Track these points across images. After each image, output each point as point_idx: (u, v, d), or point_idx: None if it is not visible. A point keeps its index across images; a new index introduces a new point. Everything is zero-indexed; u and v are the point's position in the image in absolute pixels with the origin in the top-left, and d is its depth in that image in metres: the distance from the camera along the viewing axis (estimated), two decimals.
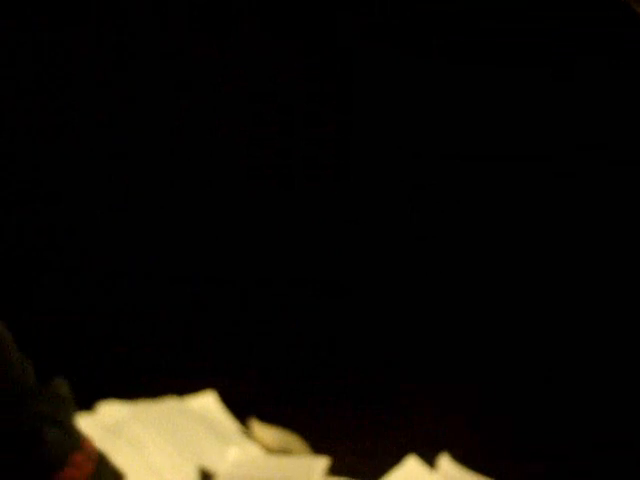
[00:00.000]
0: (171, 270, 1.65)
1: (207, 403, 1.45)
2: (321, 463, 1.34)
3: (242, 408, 1.46)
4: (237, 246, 1.66)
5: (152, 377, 1.46)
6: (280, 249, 1.65)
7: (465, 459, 1.42)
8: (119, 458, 1.26)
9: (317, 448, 1.42)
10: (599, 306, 1.58)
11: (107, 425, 1.34)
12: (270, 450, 1.42)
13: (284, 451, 1.42)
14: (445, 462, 1.39)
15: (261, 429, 1.44)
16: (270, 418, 1.45)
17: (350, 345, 1.57)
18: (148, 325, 1.55)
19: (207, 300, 1.61)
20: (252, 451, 1.40)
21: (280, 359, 1.54)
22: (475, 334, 1.58)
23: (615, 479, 1.39)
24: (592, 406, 1.49)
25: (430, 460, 1.38)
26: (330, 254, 1.64)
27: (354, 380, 1.53)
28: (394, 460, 1.35)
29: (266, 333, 1.57)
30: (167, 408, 1.41)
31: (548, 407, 1.51)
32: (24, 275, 1.60)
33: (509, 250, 1.61)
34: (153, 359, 1.51)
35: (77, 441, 1.26)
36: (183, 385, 1.46)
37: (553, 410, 1.51)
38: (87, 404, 1.35)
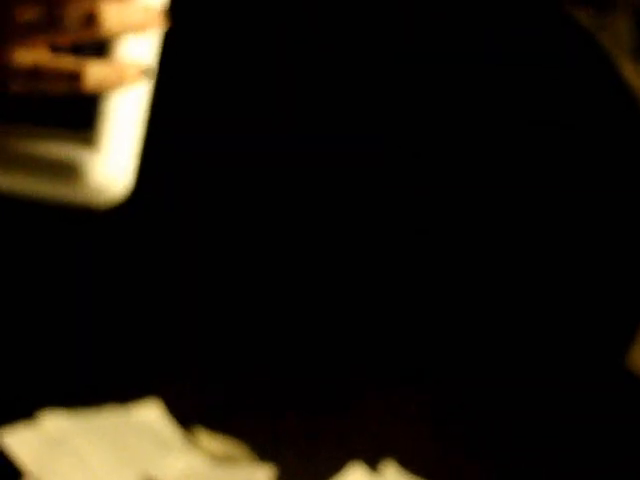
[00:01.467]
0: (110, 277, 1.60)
1: (151, 412, 1.42)
2: (267, 471, 1.33)
3: (187, 416, 1.43)
4: (168, 245, 1.61)
5: (93, 385, 1.43)
6: (218, 249, 1.61)
7: (412, 465, 1.38)
8: (62, 470, 1.26)
9: (263, 456, 1.39)
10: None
11: (50, 436, 1.32)
12: (216, 459, 1.39)
13: (230, 459, 1.39)
14: (390, 468, 1.37)
15: (206, 438, 1.42)
16: (215, 426, 1.43)
17: (296, 350, 1.54)
18: (87, 330, 1.51)
19: (149, 304, 1.57)
20: (198, 460, 1.38)
21: (225, 366, 1.51)
22: (423, 339, 1.54)
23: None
24: (544, 414, 1.46)
25: (376, 466, 1.37)
26: (271, 256, 1.59)
27: (300, 386, 1.49)
28: (340, 466, 1.34)
29: (210, 339, 1.54)
30: (110, 418, 1.38)
31: (497, 412, 1.48)
32: None
33: (465, 249, 1.58)
34: (94, 365, 1.46)
35: None
36: (125, 393, 1.43)
37: (502, 414, 1.47)
38: (27, 417, 1.32)
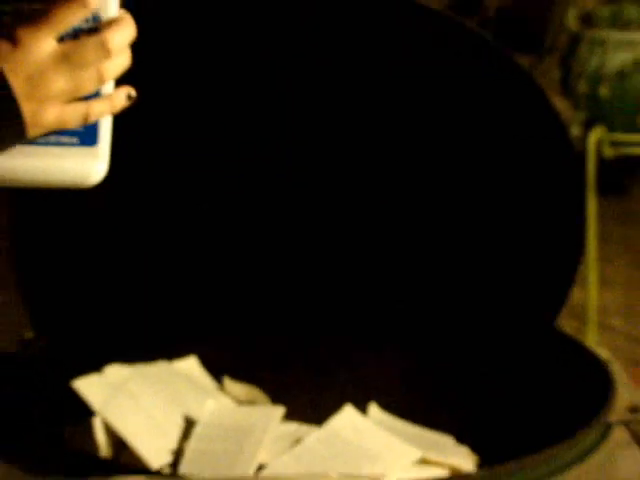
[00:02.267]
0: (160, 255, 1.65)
1: (190, 365, 1.56)
2: (279, 411, 1.46)
3: (217, 369, 1.58)
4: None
5: (147, 345, 1.55)
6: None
7: (390, 408, 1.54)
8: (119, 409, 1.39)
9: (276, 399, 1.54)
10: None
11: (112, 383, 1.43)
12: (239, 401, 1.54)
13: (250, 402, 1.54)
14: (374, 410, 1.52)
15: (232, 385, 1.57)
16: (239, 376, 1.58)
17: (304, 318, 1.64)
18: (144, 303, 1.60)
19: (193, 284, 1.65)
20: (225, 402, 1.52)
21: (246, 331, 1.63)
22: (402, 311, 1.64)
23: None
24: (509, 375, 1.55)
25: (363, 408, 1.50)
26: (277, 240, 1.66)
27: (306, 346, 1.63)
28: (336, 407, 1.46)
29: (235, 311, 1.64)
30: (159, 369, 1.52)
31: (456, 369, 1.58)
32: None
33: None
34: (148, 329, 1.59)
35: None
36: (171, 352, 1.57)
37: (460, 369, 1.58)
38: (96, 369, 1.44)
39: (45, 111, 0.96)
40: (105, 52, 0.97)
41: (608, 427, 1.33)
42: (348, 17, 1.53)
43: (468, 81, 1.54)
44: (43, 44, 0.96)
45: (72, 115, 0.98)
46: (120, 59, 1.00)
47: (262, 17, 1.54)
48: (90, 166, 1.03)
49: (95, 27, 0.99)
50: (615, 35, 3.73)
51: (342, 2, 1.54)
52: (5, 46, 0.95)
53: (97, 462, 1.32)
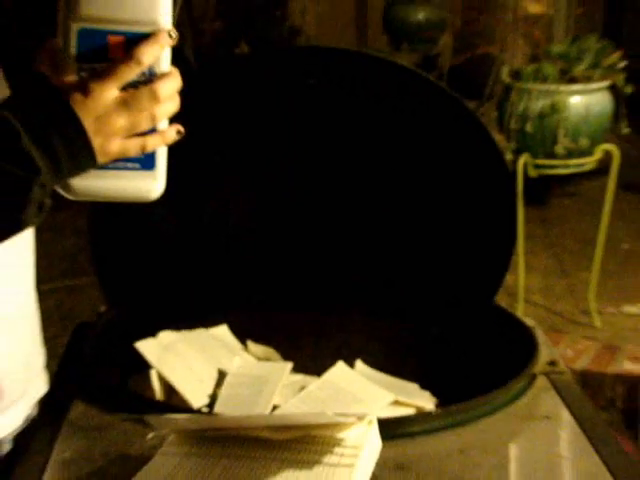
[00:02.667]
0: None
1: (222, 331, 1.55)
2: (288, 366, 1.46)
3: (242, 335, 1.56)
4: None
5: (190, 317, 1.53)
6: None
7: (371, 363, 1.52)
8: (168, 363, 1.39)
9: (286, 357, 1.53)
10: None
11: (163, 344, 1.43)
12: (259, 359, 1.53)
13: (267, 359, 1.53)
14: (359, 365, 1.51)
15: (254, 346, 1.56)
16: (259, 340, 1.57)
17: (309, 294, 1.62)
18: (189, 285, 1.59)
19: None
20: (248, 359, 1.52)
21: (263, 305, 1.62)
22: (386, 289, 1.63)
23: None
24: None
25: (351, 364, 1.49)
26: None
27: (310, 317, 1.62)
28: (330, 364, 1.45)
29: (255, 294, 1.62)
30: (199, 334, 1.51)
31: (420, 337, 1.58)
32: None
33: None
34: (191, 306, 1.57)
35: None
36: (208, 322, 1.55)
37: (423, 338, 1.58)
38: (152, 334, 1.43)
39: (110, 143, 0.97)
40: (156, 99, 0.97)
41: (533, 377, 1.34)
42: (339, 75, 1.51)
43: (431, 119, 1.53)
44: (108, 93, 0.96)
45: (132, 147, 0.98)
46: (169, 104, 1.00)
47: (280, 85, 1.53)
48: (149, 185, 1.03)
49: (150, 79, 0.99)
50: (536, 86, 3.75)
51: (334, 64, 1.52)
52: (79, 96, 0.95)
53: (153, 403, 1.31)
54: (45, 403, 1.31)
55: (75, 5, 0.95)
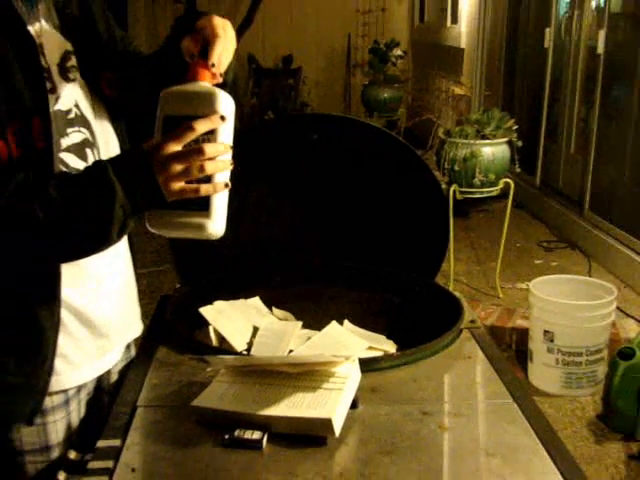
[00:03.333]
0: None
1: (256, 301, 1.50)
2: (299, 324, 1.44)
3: (269, 303, 1.51)
4: None
5: (235, 292, 1.48)
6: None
7: (355, 322, 1.46)
8: (221, 321, 1.36)
9: (298, 318, 1.49)
10: None
11: (217, 309, 1.39)
12: (280, 319, 1.49)
13: (285, 319, 1.49)
14: (346, 323, 1.46)
15: (277, 311, 1.51)
16: (280, 307, 1.52)
17: (312, 276, 1.57)
18: (235, 271, 1.54)
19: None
20: (273, 319, 1.47)
21: (283, 284, 1.56)
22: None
23: None
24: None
25: (341, 322, 1.44)
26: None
27: (312, 291, 1.55)
28: (327, 323, 1.42)
29: (276, 277, 1.56)
30: (240, 303, 1.47)
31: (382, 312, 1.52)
32: None
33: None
34: (235, 285, 1.51)
35: None
36: (246, 295, 1.49)
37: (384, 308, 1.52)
38: (209, 302, 1.39)
39: (171, 183, 0.92)
40: (203, 154, 0.92)
41: (460, 331, 1.32)
42: (333, 132, 1.49)
43: (393, 161, 1.50)
44: (170, 147, 0.92)
45: (188, 189, 0.93)
46: (217, 163, 0.93)
47: (294, 139, 1.51)
48: (205, 223, 0.95)
49: (208, 138, 0.94)
50: (461, 141, 3.78)
51: (329, 125, 1.51)
52: (151, 148, 0.93)
53: (211, 348, 1.28)
54: (140, 347, 1.29)
55: (162, 101, 0.95)
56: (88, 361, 1.14)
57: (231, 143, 0.96)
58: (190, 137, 0.93)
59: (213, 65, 0.96)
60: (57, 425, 1.10)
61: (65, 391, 1.11)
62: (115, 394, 1.12)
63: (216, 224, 0.96)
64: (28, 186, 0.92)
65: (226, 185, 0.95)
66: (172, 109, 0.95)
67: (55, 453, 1.10)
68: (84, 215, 0.90)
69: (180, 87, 0.96)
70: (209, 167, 0.93)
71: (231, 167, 0.95)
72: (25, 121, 0.92)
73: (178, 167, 0.92)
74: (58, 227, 0.90)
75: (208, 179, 0.93)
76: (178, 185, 0.92)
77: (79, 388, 1.14)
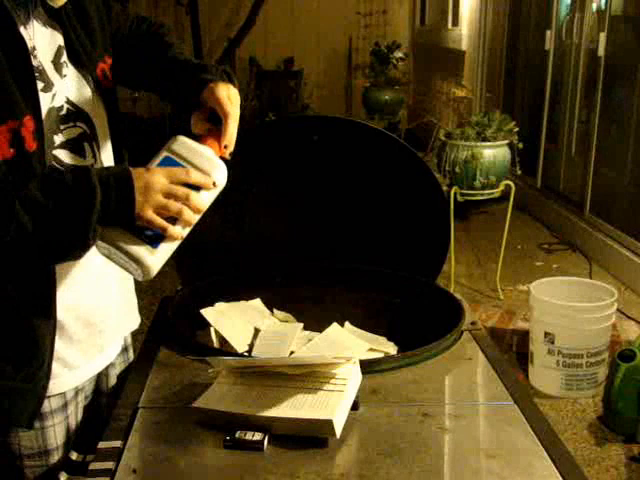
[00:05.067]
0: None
1: (257, 303, 1.50)
2: (300, 325, 1.44)
3: (270, 305, 1.50)
4: None
5: (235, 294, 1.47)
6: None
7: (355, 324, 1.47)
8: (222, 323, 1.35)
9: (299, 320, 1.48)
10: None
11: (218, 310, 1.39)
12: (281, 321, 1.48)
13: (286, 321, 1.48)
14: (347, 325, 1.46)
15: (278, 313, 1.51)
16: (281, 309, 1.51)
17: (311, 277, 1.56)
18: (236, 274, 1.53)
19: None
20: (274, 321, 1.47)
21: (284, 286, 1.55)
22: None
23: None
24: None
25: (342, 324, 1.45)
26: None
27: (313, 293, 1.54)
28: (328, 324, 1.42)
29: (277, 279, 1.56)
30: (241, 305, 1.47)
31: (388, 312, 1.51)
32: None
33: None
34: (236, 287, 1.50)
35: None
36: (247, 297, 1.49)
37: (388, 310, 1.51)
38: (211, 304, 1.40)
39: (146, 208, 0.92)
40: (188, 200, 0.96)
41: (461, 332, 1.32)
42: (334, 134, 1.49)
43: (395, 164, 1.50)
44: (160, 178, 0.94)
45: (157, 222, 0.94)
46: (194, 214, 0.96)
47: (295, 140, 1.51)
48: (145, 259, 0.96)
49: (191, 190, 0.97)
50: (461, 143, 3.77)
51: (330, 126, 1.50)
52: (141, 170, 0.95)
53: (212, 349, 1.28)
54: (142, 348, 1.28)
55: (172, 143, 0.99)
56: (86, 361, 1.13)
57: (205, 209, 1.00)
58: (182, 179, 0.96)
59: (226, 146, 1.02)
60: (56, 429, 1.09)
61: (63, 394, 1.10)
62: (114, 397, 1.12)
63: (155, 265, 0.97)
64: (8, 184, 0.90)
65: (181, 238, 0.98)
66: (177, 152, 0.99)
67: (54, 457, 1.10)
68: (63, 216, 0.89)
69: (194, 143, 1.01)
70: (186, 214, 0.95)
71: (190, 227, 0.99)
72: (17, 122, 0.91)
73: (161, 198, 0.94)
74: (41, 228, 0.88)
75: (173, 222, 0.96)
76: (151, 214, 0.93)
77: (77, 392, 1.14)
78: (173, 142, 1.00)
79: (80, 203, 0.89)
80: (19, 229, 0.87)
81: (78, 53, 1.04)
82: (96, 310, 1.13)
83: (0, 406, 1.01)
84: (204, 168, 0.99)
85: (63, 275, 1.03)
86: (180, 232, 0.97)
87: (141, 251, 0.95)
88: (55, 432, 1.09)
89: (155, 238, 0.96)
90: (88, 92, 1.05)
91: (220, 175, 1.01)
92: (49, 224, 0.89)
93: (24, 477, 1.08)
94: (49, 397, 1.07)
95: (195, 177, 0.96)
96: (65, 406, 1.11)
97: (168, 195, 0.94)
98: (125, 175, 0.93)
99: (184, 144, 1.00)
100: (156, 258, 0.96)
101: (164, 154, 0.99)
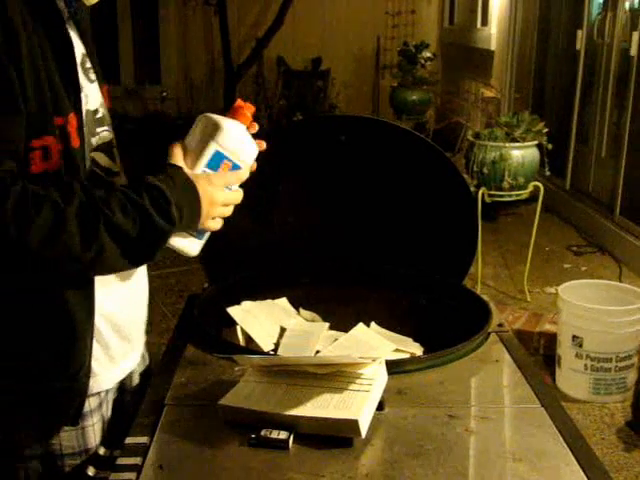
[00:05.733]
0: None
1: (283, 302, 1.51)
2: (326, 325, 1.45)
3: (296, 304, 1.52)
4: None
5: (262, 293, 1.48)
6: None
7: (381, 324, 1.47)
8: (248, 321, 1.36)
9: (325, 319, 1.49)
10: None
11: (245, 309, 1.41)
12: (307, 320, 1.49)
13: (312, 321, 1.49)
14: (373, 325, 1.47)
15: (304, 312, 1.51)
16: (307, 308, 1.52)
17: (338, 276, 1.56)
18: (262, 272, 1.53)
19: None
20: (300, 320, 1.48)
21: (310, 285, 1.55)
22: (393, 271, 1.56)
23: None
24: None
25: (368, 324, 1.45)
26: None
27: (340, 293, 1.54)
28: (354, 324, 1.43)
29: (303, 278, 1.55)
30: (268, 304, 1.48)
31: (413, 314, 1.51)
32: None
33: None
34: (263, 286, 1.51)
35: None
36: (273, 296, 1.50)
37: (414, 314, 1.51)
38: (237, 302, 1.41)
39: (207, 220, 1.03)
40: (237, 202, 1.07)
41: (488, 334, 1.31)
42: (361, 134, 1.49)
43: (423, 164, 1.50)
44: (221, 194, 1.03)
45: (214, 228, 1.06)
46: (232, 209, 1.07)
47: (323, 140, 1.51)
48: (194, 247, 1.07)
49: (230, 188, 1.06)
50: (490, 143, 3.75)
51: (358, 127, 1.50)
52: (205, 185, 1.01)
53: (238, 347, 1.29)
54: (168, 346, 1.29)
55: (219, 135, 1.02)
56: (116, 364, 1.14)
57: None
58: (234, 183, 1.06)
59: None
60: (95, 428, 1.11)
61: (99, 394, 1.11)
62: (139, 394, 1.13)
63: (198, 251, 1.09)
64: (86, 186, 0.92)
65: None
66: (224, 145, 1.03)
67: (90, 455, 1.11)
68: (142, 242, 0.94)
69: (236, 129, 1.05)
70: (229, 213, 1.08)
71: None
72: (64, 118, 0.93)
73: (221, 209, 1.05)
74: (120, 250, 0.92)
75: None
76: (210, 222, 1.04)
77: (107, 391, 1.15)
78: (218, 132, 1.02)
79: (157, 233, 0.95)
80: (100, 251, 0.90)
81: (95, 64, 1.06)
82: (127, 320, 1.14)
83: (48, 406, 1.02)
84: (247, 162, 1.07)
85: (100, 285, 1.04)
86: (221, 224, 1.07)
87: (189, 244, 1.05)
88: (94, 431, 1.11)
89: (202, 231, 1.06)
90: (104, 102, 1.08)
91: (252, 159, 1.09)
92: (127, 248, 0.93)
93: (65, 476, 1.09)
94: (88, 396, 1.08)
95: (244, 177, 1.05)
96: (100, 405, 1.12)
97: (225, 204, 1.05)
98: (195, 197, 0.99)
99: (229, 134, 1.03)
100: (200, 245, 1.07)
101: (213, 148, 1.03)
